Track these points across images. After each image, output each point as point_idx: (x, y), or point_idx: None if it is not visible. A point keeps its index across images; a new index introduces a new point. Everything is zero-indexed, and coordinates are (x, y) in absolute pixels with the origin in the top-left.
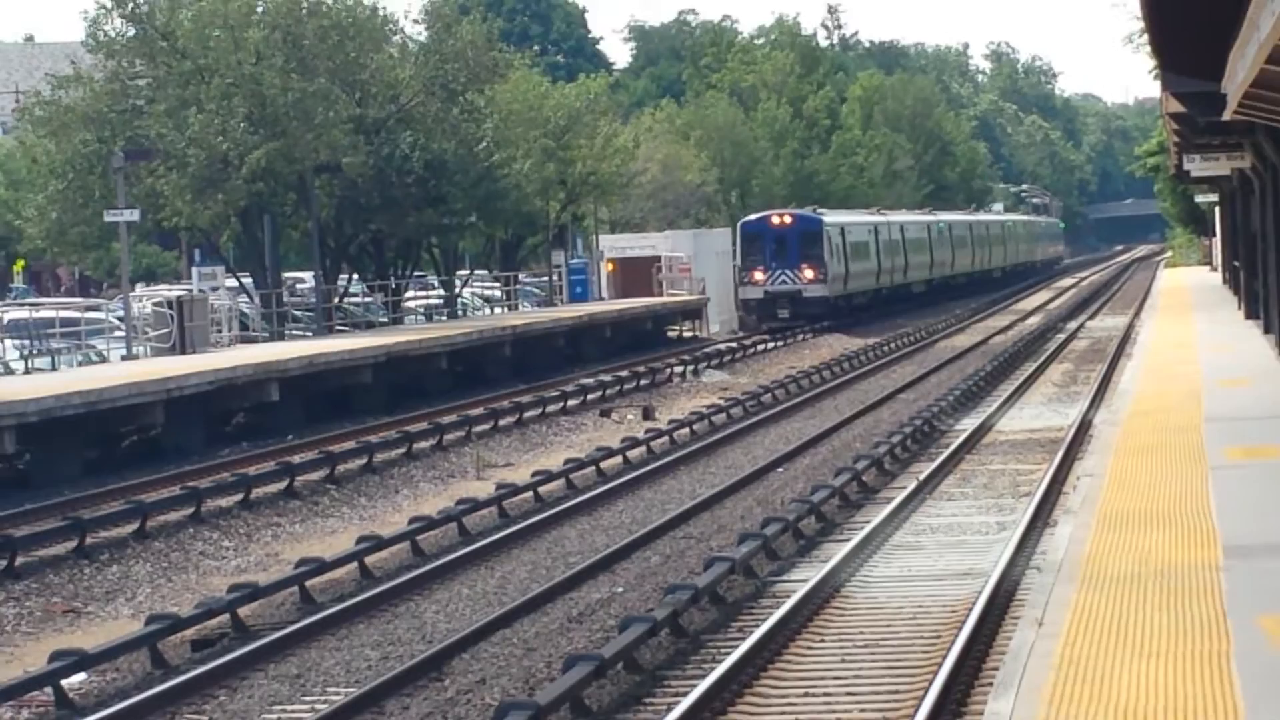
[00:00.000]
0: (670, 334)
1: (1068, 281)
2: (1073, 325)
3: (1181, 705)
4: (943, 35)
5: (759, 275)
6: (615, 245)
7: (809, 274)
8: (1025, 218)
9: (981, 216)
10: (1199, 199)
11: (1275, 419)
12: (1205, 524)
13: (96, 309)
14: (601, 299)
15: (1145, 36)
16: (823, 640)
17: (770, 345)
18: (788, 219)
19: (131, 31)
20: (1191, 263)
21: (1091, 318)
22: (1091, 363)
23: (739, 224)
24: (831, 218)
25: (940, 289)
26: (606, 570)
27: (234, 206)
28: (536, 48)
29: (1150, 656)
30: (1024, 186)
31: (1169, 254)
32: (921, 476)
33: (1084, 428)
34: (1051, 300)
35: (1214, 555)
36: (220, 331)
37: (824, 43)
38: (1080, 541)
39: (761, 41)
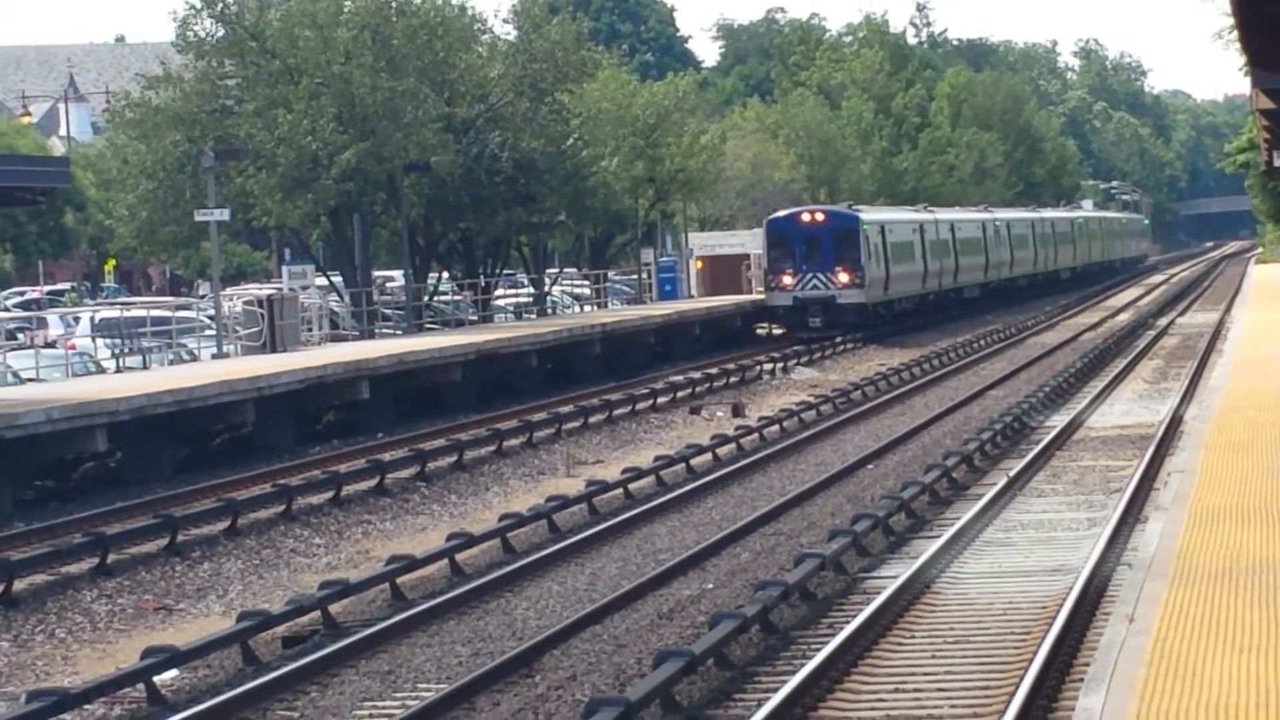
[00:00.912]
0: (759, 331)
1: (1155, 279)
2: (1163, 322)
3: (1275, 700)
4: (1031, 32)
5: (787, 279)
6: (704, 243)
7: (844, 278)
8: (1100, 214)
9: (1046, 213)
10: None
11: None
12: None
13: (187, 308)
14: (690, 296)
15: (1235, 33)
16: (913, 636)
17: (858, 343)
18: (819, 216)
19: (221, 32)
20: None
21: (1182, 314)
22: (1182, 359)
23: (765, 222)
24: (870, 215)
25: (997, 293)
26: (696, 567)
27: (324, 206)
28: (625, 46)
29: (1243, 652)
30: (1114, 183)
31: (1260, 250)
32: (1012, 473)
33: (1175, 423)
34: (1139, 298)
35: None
36: (310, 330)
37: (912, 40)
38: (1171, 537)
39: (849, 39)
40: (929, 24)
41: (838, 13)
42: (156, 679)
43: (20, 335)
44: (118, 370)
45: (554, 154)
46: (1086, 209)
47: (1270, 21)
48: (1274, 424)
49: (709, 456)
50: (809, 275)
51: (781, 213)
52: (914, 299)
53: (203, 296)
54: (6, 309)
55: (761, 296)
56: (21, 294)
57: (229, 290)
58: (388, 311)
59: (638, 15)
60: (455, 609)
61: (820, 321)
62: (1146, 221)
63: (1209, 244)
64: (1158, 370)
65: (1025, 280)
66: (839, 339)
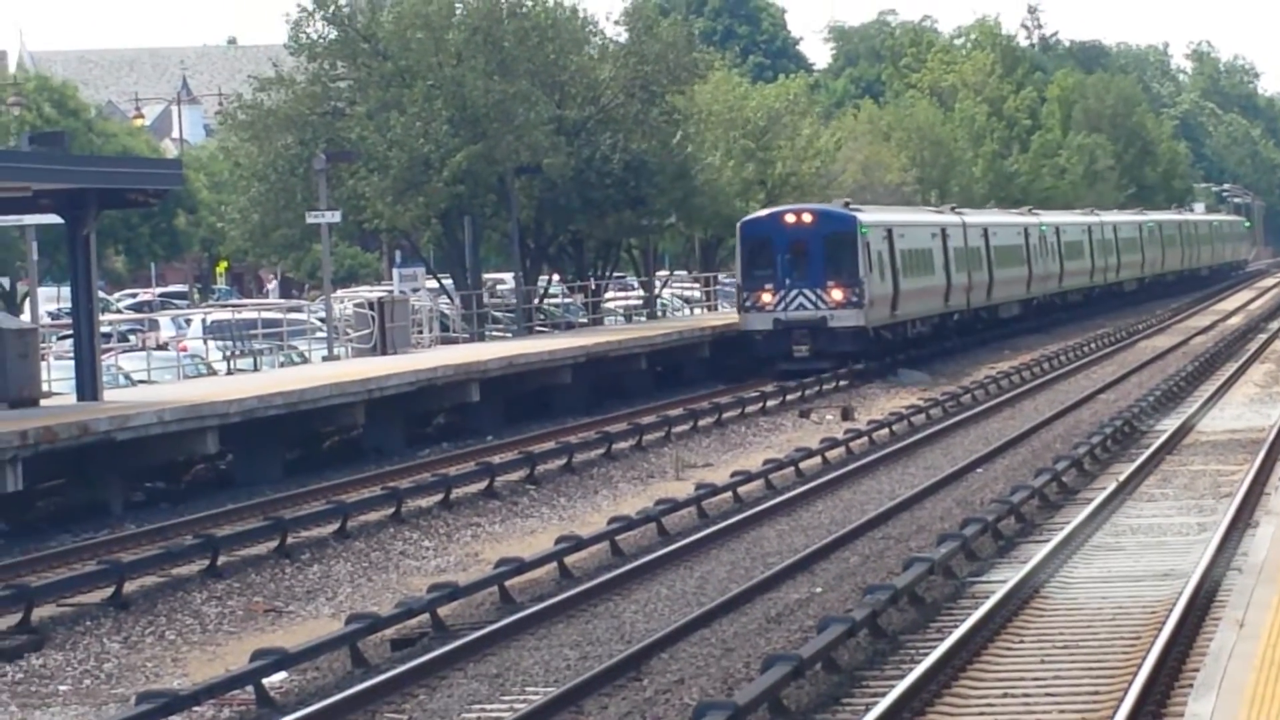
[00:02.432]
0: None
1: (1242, 297)
2: (1275, 325)
3: None
4: (1143, 34)
5: (767, 297)
6: None
7: (838, 294)
8: (1178, 216)
9: (1107, 216)
10: None
11: None
12: None
13: (298, 310)
14: None
15: None
16: (1021, 641)
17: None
18: (807, 217)
19: (333, 34)
20: None
21: None
22: None
23: (739, 225)
24: (871, 215)
25: (1043, 310)
26: (805, 570)
27: (435, 208)
28: (739, 49)
29: None
30: (1225, 186)
31: None
32: (1121, 477)
33: None
34: (1238, 308)
35: None
36: (421, 332)
37: (1024, 43)
38: None
39: (961, 41)
40: (1040, 26)
41: (949, 15)
42: (265, 681)
43: (132, 337)
44: (229, 372)
45: (664, 156)
46: (1199, 213)
47: None
48: None
49: (818, 460)
50: (794, 291)
51: (760, 212)
52: (931, 320)
53: (315, 298)
54: (119, 310)
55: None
56: (134, 295)
57: (340, 292)
58: (498, 314)
59: (752, 18)
60: (563, 612)
61: (807, 350)
62: (1249, 224)
63: None
64: (1269, 375)
65: (1080, 295)
66: (828, 373)
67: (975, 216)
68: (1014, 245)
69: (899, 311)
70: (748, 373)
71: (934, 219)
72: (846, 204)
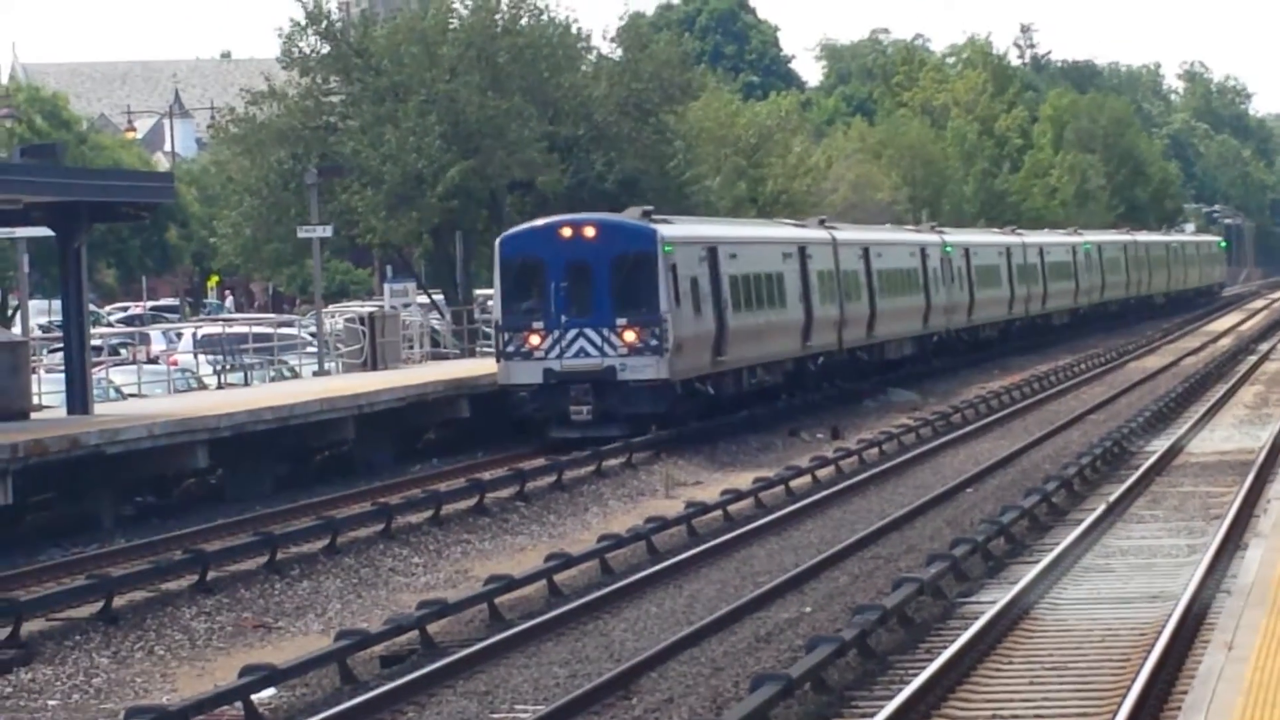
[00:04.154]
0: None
1: (1223, 323)
2: (1264, 346)
3: None
4: (1136, 55)
5: (535, 339)
6: None
7: (630, 336)
8: (1125, 237)
9: (1033, 238)
10: None
11: None
12: None
13: (289, 324)
14: None
15: None
16: (1011, 662)
17: (957, 364)
18: (590, 231)
19: (325, 48)
20: None
21: None
22: None
23: (498, 241)
24: (682, 229)
25: (947, 349)
26: (795, 590)
27: (427, 223)
28: (729, 66)
29: None
30: (1216, 207)
31: None
32: (1111, 498)
33: (1276, 451)
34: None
35: None
36: (412, 348)
37: (1016, 62)
38: (1271, 565)
39: (953, 60)
40: (1033, 46)
41: (942, 33)
42: (254, 697)
43: (123, 350)
44: (219, 386)
45: (656, 174)
46: (1189, 233)
47: None
48: None
49: (808, 479)
50: (571, 332)
51: (528, 225)
52: (782, 367)
53: (305, 313)
54: (110, 324)
55: None
56: (125, 309)
57: (331, 307)
58: (489, 330)
59: (743, 36)
60: (553, 630)
61: (589, 412)
62: (1224, 244)
63: None
64: (1259, 396)
65: (996, 330)
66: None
67: (853, 233)
68: (906, 269)
69: (727, 356)
70: (507, 440)
71: (787, 234)
72: (646, 214)
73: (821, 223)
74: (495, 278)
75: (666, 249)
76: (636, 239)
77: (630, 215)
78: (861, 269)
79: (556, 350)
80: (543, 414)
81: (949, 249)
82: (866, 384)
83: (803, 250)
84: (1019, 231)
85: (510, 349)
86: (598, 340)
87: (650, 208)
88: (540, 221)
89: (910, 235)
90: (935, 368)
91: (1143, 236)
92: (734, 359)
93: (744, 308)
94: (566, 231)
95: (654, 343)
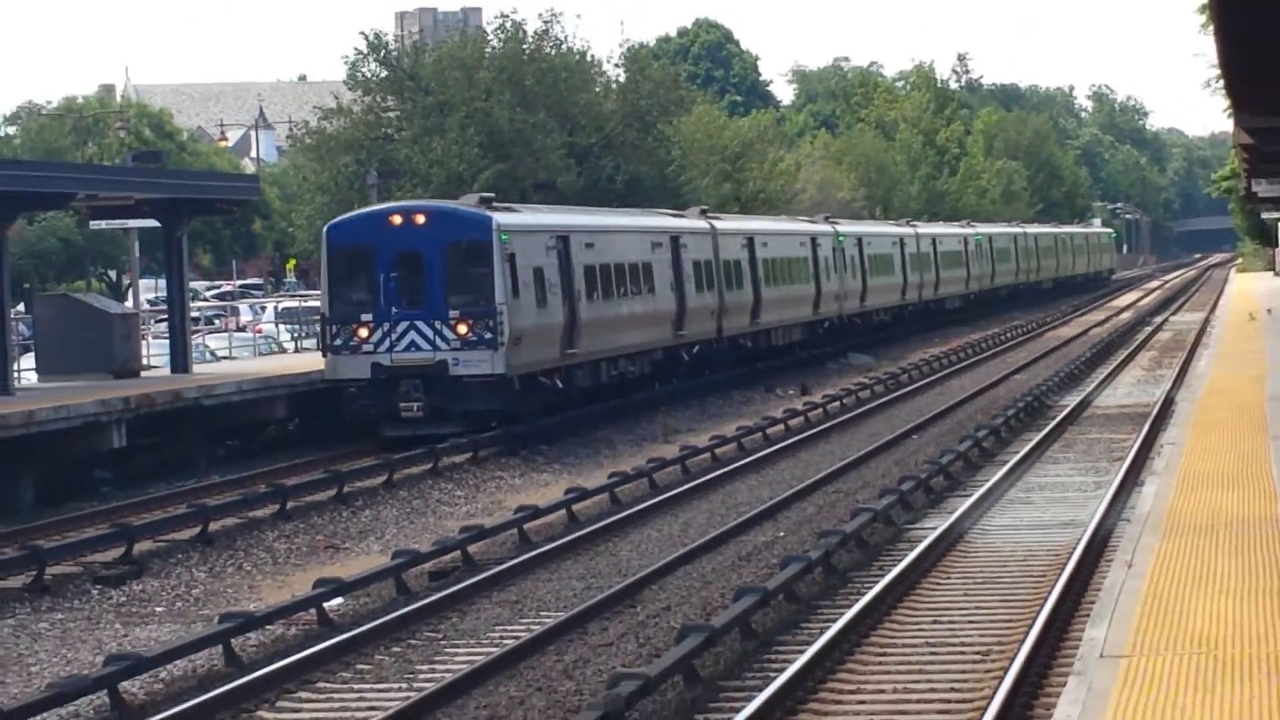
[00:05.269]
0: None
1: (1108, 307)
2: (1158, 319)
3: (1248, 632)
4: (1053, 78)
5: (364, 332)
6: None
7: (463, 328)
8: (1015, 229)
9: (925, 229)
10: (1265, 215)
11: None
12: (1267, 485)
13: None
14: None
15: (1221, 82)
16: (949, 578)
17: (907, 332)
18: (420, 219)
19: (384, 73)
20: (1258, 269)
21: (1175, 313)
22: (1174, 351)
23: (325, 229)
24: (522, 217)
25: (825, 339)
26: (770, 518)
27: None
28: (717, 89)
29: (1222, 594)
30: (1118, 205)
31: (1239, 260)
32: (1031, 443)
33: (1168, 404)
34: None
35: (1276, 510)
36: None
37: (954, 85)
38: (1163, 498)
39: (902, 84)
40: (968, 71)
41: (893, 61)
42: (326, 605)
43: (217, 321)
44: (296, 351)
45: (656, 176)
46: (1090, 225)
47: (1250, 71)
48: (1251, 406)
49: (782, 427)
50: (402, 324)
51: (358, 212)
52: (647, 358)
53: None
54: (206, 299)
55: None
56: (218, 286)
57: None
58: None
59: (728, 63)
60: (571, 550)
61: (420, 408)
62: (1113, 234)
63: (1197, 256)
64: (1154, 360)
65: (890, 315)
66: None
67: (735, 223)
68: (796, 258)
69: (579, 349)
70: (338, 439)
71: (656, 223)
72: (484, 200)
73: (703, 213)
74: (322, 267)
75: (503, 237)
76: (470, 227)
77: (467, 202)
78: (745, 258)
79: (386, 344)
80: (372, 411)
81: (841, 239)
82: (829, 349)
83: (675, 240)
84: (913, 224)
85: (338, 342)
86: (429, 333)
87: (491, 195)
88: (366, 209)
89: (801, 225)
90: (827, 351)
91: (1032, 228)
92: (588, 351)
93: (601, 298)
94: (397, 219)
95: (488, 335)
